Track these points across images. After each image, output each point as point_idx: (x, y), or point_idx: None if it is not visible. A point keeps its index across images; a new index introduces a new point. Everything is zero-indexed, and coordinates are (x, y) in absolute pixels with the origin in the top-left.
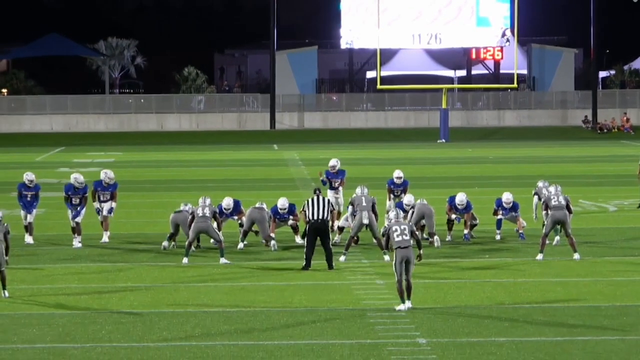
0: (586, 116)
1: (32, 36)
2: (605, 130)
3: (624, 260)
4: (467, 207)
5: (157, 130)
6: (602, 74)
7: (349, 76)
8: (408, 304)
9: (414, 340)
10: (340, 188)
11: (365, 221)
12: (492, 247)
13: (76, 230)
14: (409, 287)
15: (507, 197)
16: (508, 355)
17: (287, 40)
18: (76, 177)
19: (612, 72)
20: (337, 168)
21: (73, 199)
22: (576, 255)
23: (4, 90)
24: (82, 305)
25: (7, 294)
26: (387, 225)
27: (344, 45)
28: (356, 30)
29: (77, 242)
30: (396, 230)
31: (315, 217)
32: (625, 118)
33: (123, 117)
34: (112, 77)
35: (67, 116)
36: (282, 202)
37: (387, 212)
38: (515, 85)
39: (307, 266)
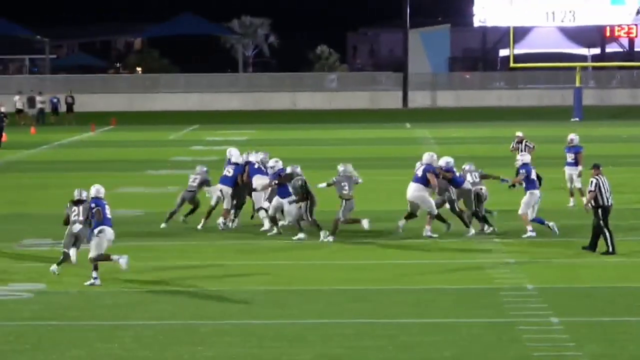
0: None
1: (166, 15)
2: None
3: None
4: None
5: (290, 109)
6: None
7: (482, 54)
8: None
9: (546, 319)
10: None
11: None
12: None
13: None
14: None
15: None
16: None
17: (419, 19)
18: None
19: None
20: (574, 142)
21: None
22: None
23: (139, 69)
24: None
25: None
26: None
27: (476, 23)
28: (489, 7)
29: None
30: None
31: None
32: None
33: (256, 96)
34: (245, 55)
35: (201, 94)
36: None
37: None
38: None
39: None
